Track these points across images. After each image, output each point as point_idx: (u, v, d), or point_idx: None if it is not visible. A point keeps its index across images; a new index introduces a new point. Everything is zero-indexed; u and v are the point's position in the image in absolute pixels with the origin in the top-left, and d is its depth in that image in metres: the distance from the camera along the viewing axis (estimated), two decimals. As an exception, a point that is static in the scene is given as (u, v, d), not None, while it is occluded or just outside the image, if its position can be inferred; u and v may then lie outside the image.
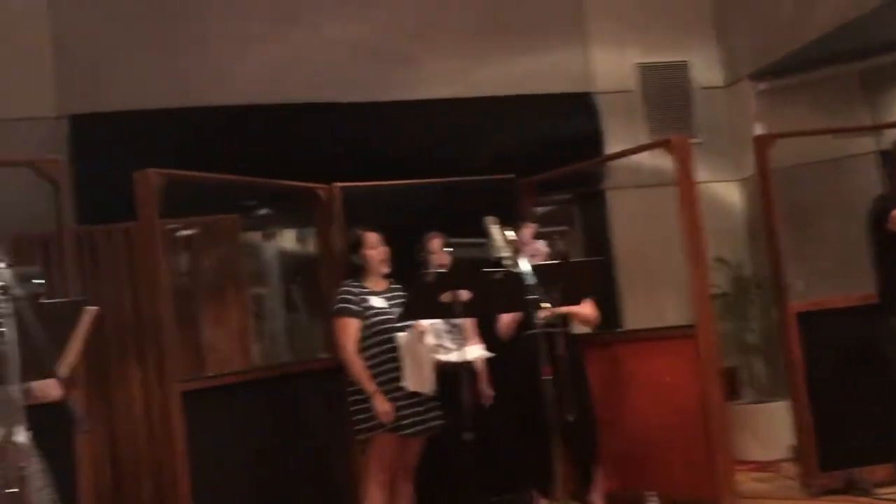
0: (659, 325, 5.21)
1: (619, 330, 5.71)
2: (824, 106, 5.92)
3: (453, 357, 4.08)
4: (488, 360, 4.34)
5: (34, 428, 2.84)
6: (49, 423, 2.88)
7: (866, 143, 5.83)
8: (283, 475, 4.35)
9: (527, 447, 4.19)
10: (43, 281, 2.79)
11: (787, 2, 5.73)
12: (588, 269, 4.41)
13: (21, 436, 2.79)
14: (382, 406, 3.88)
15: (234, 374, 4.77)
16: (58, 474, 2.91)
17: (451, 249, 4.34)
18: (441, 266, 4.25)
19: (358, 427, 3.97)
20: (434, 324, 4.08)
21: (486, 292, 3.74)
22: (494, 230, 3.80)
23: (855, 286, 4.70)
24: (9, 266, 2.31)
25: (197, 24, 5.66)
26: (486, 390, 4.34)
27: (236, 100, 5.56)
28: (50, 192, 3.85)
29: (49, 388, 2.83)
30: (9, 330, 2.25)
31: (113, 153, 5.07)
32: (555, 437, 3.71)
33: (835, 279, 5.51)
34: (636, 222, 6.12)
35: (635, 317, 5.95)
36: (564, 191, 6.20)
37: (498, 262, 3.76)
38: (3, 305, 2.26)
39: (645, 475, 4.73)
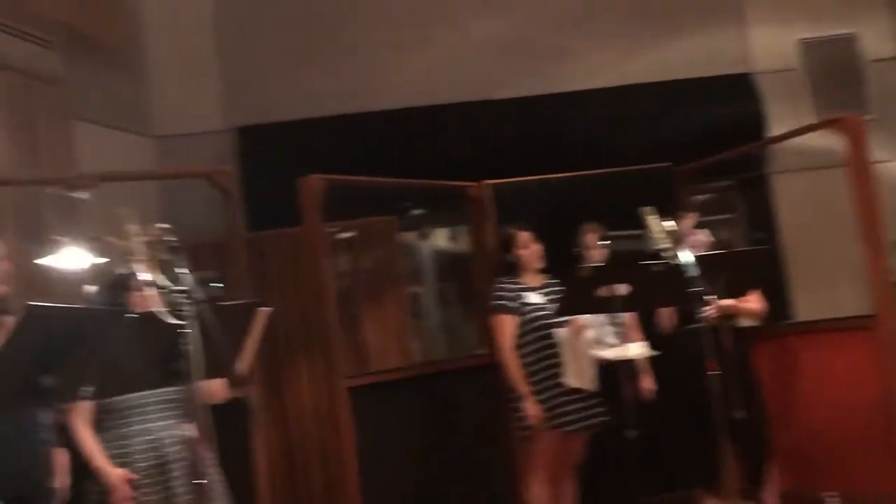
0: (833, 315, 4.90)
1: (789, 322, 5.41)
2: None
3: (613, 354, 4.00)
4: (650, 357, 4.23)
5: (215, 422, 3.06)
6: (228, 418, 3.08)
7: None
8: (442, 470, 4.42)
9: (693, 444, 4.04)
10: (221, 285, 2.97)
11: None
12: (754, 258, 4.20)
13: (194, 430, 2.99)
14: (533, 409, 3.87)
15: (394, 371, 4.90)
16: (236, 466, 3.09)
17: (608, 242, 4.26)
18: (596, 260, 4.17)
19: (519, 424, 3.97)
20: (595, 318, 4.03)
21: (645, 286, 3.63)
22: (652, 221, 3.68)
23: None
24: (189, 272, 2.47)
25: (351, 34, 5.84)
26: (649, 385, 4.23)
27: (391, 104, 5.69)
28: (222, 202, 4.09)
29: (216, 389, 3.00)
30: (192, 331, 2.40)
31: (277, 162, 5.33)
32: (722, 435, 3.56)
33: None
34: (804, 207, 5.77)
35: (807, 307, 5.62)
36: (725, 177, 5.93)
37: (657, 254, 3.64)
38: (186, 308, 2.41)
39: (821, 473, 4.46)
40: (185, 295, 2.42)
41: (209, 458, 3.02)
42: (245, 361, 2.82)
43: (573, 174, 4.98)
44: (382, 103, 5.70)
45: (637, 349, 4.11)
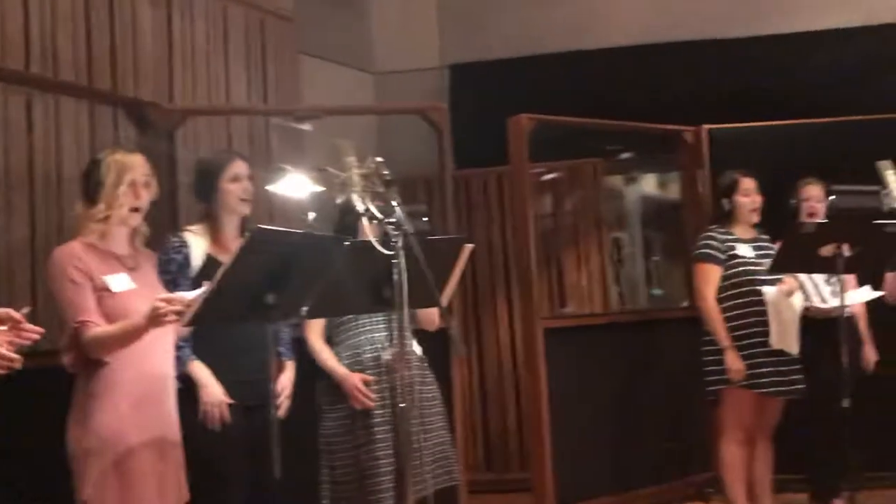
0: None
1: None
2: None
3: (831, 305, 3.73)
4: (874, 325, 3.90)
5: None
6: (431, 347, 3.21)
7: None
8: (637, 421, 4.38)
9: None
10: (428, 219, 3.06)
11: None
12: None
13: (416, 347, 3.15)
14: (735, 363, 3.70)
15: (593, 316, 4.87)
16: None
17: (834, 198, 3.93)
18: (814, 215, 3.87)
19: (710, 379, 3.83)
20: (813, 277, 3.77)
21: (876, 247, 3.34)
22: (890, 176, 3.36)
23: None
24: (400, 205, 2.55)
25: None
26: (870, 354, 3.91)
27: (610, 42, 5.52)
28: (433, 138, 4.18)
29: (434, 316, 3.13)
30: (401, 261, 2.49)
31: (488, 99, 5.35)
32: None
33: None
34: None
35: None
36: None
37: (892, 214, 3.33)
38: (396, 240, 2.50)
39: None
40: (395, 227, 2.50)
41: (429, 379, 3.19)
42: (446, 295, 2.90)
43: (803, 121, 4.62)
44: (601, 41, 5.54)
45: (859, 295, 3.79)
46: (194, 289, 2.47)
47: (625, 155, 5.67)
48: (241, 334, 2.78)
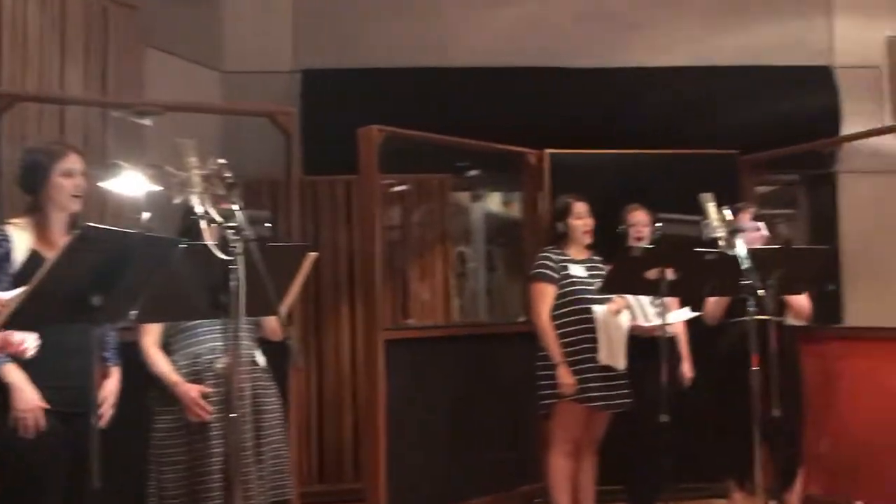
0: (886, 324, 4.77)
1: (839, 326, 5.30)
2: None
3: (650, 323, 3.97)
4: (692, 344, 4.18)
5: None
6: (272, 357, 3.15)
7: None
8: (472, 431, 4.46)
9: (727, 437, 4.01)
10: (271, 225, 3.01)
11: None
12: (812, 257, 4.11)
13: (259, 357, 3.08)
14: (566, 378, 3.87)
15: (435, 328, 4.93)
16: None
17: (660, 225, 4.19)
18: (640, 239, 4.12)
19: (543, 393, 3.98)
20: (639, 298, 3.99)
21: (695, 273, 3.58)
22: (710, 208, 3.61)
23: None
24: (242, 209, 2.49)
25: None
26: (687, 371, 4.19)
27: (462, 62, 5.63)
28: (282, 142, 4.12)
29: (274, 327, 3.07)
30: (239, 268, 2.43)
31: (340, 108, 5.33)
32: (757, 431, 3.52)
33: None
34: (869, 211, 5.61)
35: (858, 314, 5.49)
36: (791, 171, 5.79)
37: (712, 243, 3.58)
38: (235, 245, 2.44)
39: (852, 483, 4.39)
40: (235, 231, 2.44)
41: (270, 391, 3.12)
42: (287, 303, 2.86)
43: (636, 151, 4.91)
44: (454, 60, 5.64)
45: (678, 315, 4.06)
46: (15, 285, 2.32)
47: (472, 172, 5.79)
48: (63, 337, 2.61)
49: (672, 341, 4.06)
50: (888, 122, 5.58)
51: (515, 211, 5.83)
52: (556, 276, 4.00)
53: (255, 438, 3.01)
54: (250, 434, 2.96)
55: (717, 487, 4.36)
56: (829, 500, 4.46)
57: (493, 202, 6.80)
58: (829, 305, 5.35)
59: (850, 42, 5.75)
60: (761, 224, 4.15)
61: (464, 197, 6.30)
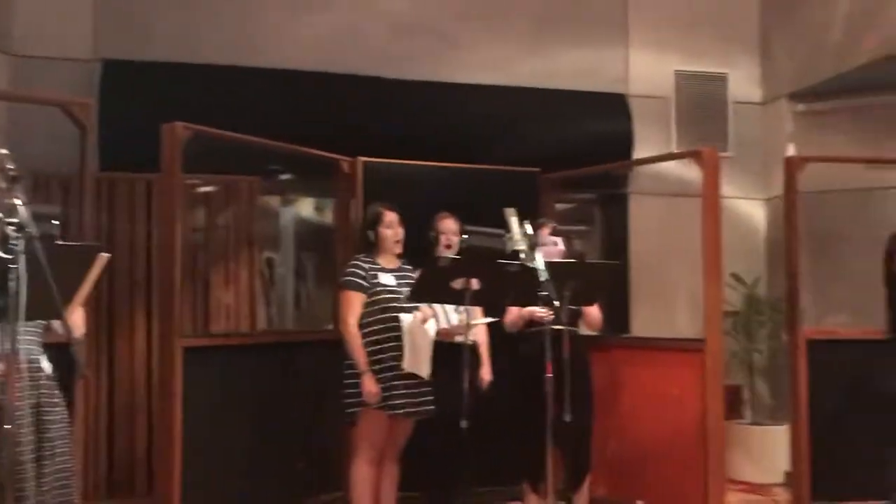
0: (667, 336, 5.17)
1: (626, 336, 5.68)
2: (860, 134, 5.84)
3: (453, 324, 4.07)
4: (492, 351, 4.32)
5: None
6: (58, 364, 2.92)
7: (899, 177, 5.75)
8: (274, 440, 4.37)
9: (523, 441, 4.18)
10: (58, 222, 2.80)
11: (837, 27, 5.64)
12: (603, 271, 4.39)
13: (45, 364, 2.85)
14: (370, 387, 3.89)
15: (237, 336, 4.79)
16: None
17: (466, 237, 4.31)
18: (450, 247, 4.22)
19: (348, 401, 3.98)
20: (444, 307, 4.08)
21: (498, 283, 3.72)
22: (513, 222, 3.77)
23: (870, 320, 4.65)
24: (25, 204, 2.31)
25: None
26: (486, 375, 4.29)
27: (275, 63, 5.52)
28: (76, 135, 3.85)
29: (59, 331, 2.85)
30: (20, 267, 2.25)
31: (144, 103, 5.06)
32: (549, 435, 3.69)
33: (851, 310, 5.45)
34: (655, 230, 6.07)
35: (643, 325, 5.92)
36: (588, 190, 6.16)
37: (513, 255, 3.73)
38: (16, 243, 2.25)
39: (635, 484, 4.72)
40: (17, 228, 2.26)
41: (56, 400, 2.89)
42: (73, 307, 2.67)
43: (444, 164, 5.03)
44: (267, 61, 5.52)
45: (478, 319, 4.18)
46: None
47: (283, 176, 5.70)
48: None
49: (473, 348, 4.17)
50: (674, 148, 6.08)
51: (328, 217, 5.79)
52: (365, 284, 4.01)
53: (37, 451, 2.79)
54: (31, 447, 2.73)
55: (513, 490, 4.54)
56: (614, 500, 4.76)
57: (306, 208, 6.73)
58: (617, 316, 5.73)
59: (643, 73, 6.21)
60: (559, 239, 4.38)
61: (274, 201, 6.18)
